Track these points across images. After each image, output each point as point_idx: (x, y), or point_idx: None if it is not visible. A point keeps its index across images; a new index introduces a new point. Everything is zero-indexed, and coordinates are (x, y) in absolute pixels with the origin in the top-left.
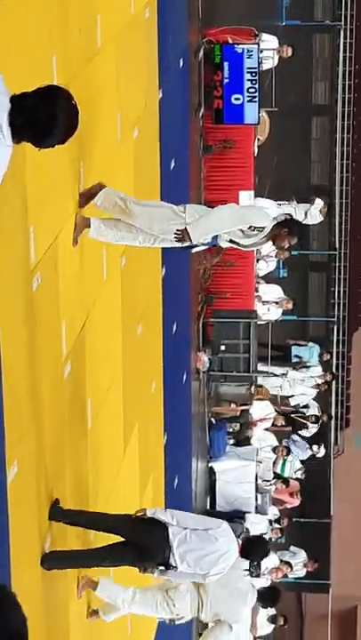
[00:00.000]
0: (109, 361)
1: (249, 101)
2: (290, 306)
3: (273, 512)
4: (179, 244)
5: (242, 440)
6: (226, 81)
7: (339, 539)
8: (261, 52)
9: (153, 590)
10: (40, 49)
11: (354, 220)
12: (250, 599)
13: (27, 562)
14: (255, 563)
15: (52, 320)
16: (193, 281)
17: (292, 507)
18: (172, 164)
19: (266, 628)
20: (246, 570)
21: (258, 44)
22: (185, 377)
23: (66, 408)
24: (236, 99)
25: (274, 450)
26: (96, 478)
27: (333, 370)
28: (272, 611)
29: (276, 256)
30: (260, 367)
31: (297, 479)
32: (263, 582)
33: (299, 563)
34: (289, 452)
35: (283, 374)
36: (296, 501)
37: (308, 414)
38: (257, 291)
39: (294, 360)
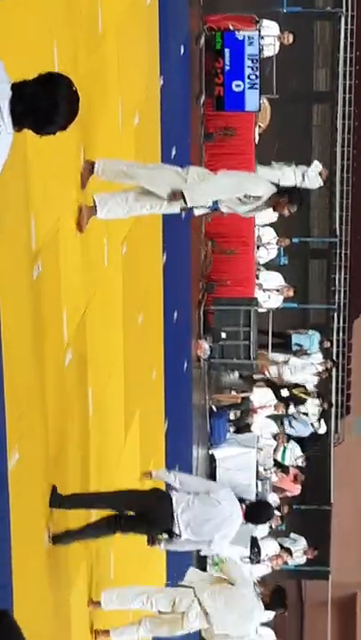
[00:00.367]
0: (110, 348)
1: (250, 88)
2: (291, 293)
3: (273, 499)
4: (183, 211)
5: (242, 427)
6: (227, 68)
7: (339, 526)
8: (262, 38)
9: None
10: (41, 36)
11: (355, 207)
12: (257, 615)
13: (29, 550)
14: (256, 550)
15: (53, 308)
16: (194, 268)
17: (293, 494)
18: (173, 152)
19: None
20: (247, 557)
21: (259, 31)
22: (186, 364)
23: (67, 395)
24: (237, 86)
25: (274, 437)
26: (97, 465)
27: (334, 357)
28: None
29: (276, 243)
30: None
31: (297, 467)
32: (264, 569)
33: (299, 550)
34: (290, 438)
35: (284, 361)
36: (297, 489)
37: (310, 391)
38: (258, 278)
39: (295, 348)
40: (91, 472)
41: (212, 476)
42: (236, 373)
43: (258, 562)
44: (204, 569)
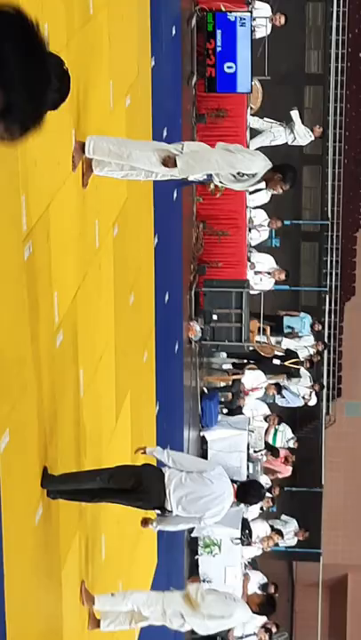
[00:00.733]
0: (101, 330)
1: (242, 70)
2: (282, 277)
3: (265, 481)
4: (178, 177)
5: (234, 409)
6: (219, 49)
7: (330, 508)
8: (254, 20)
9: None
10: (32, 16)
11: (346, 189)
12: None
13: (19, 533)
14: (247, 531)
15: (44, 289)
16: (185, 250)
17: (283, 476)
18: (165, 133)
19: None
20: (238, 538)
21: (251, 12)
22: (177, 346)
23: (58, 377)
24: (229, 67)
25: (266, 418)
26: (88, 447)
27: (325, 340)
28: (263, 579)
29: (268, 225)
30: (258, 338)
31: (289, 448)
32: (255, 551)
33: (290, 531)
34: (281, 420)
35: (277, 342)
36: (288, 470)
37: (302, 360)
38: (249, 260)
39: (286, 330)
40: (81, 453)
41: (203, 457)
42: (224, 354)
43: (249, 543)
44: (195, 552)
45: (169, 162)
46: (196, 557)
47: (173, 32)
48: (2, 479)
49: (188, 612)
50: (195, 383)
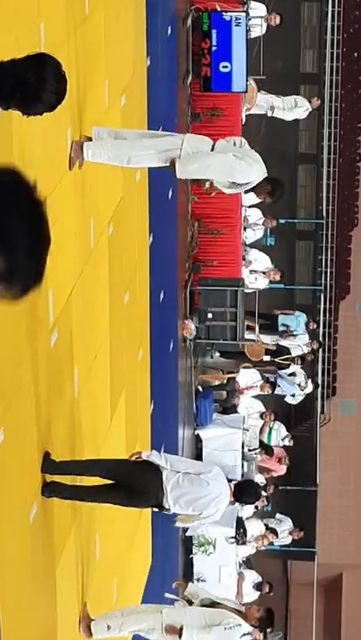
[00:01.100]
0: (96, 329)
1: (237, 69)
2: (277, 277)
3: (259, 480)
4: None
5: (229, 408)
6: (214, 48)
7: (325, 507)
8: (250, 19)
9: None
10: (28, 16)
11: (341, 188)
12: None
13: (13, 531)
14: (241, 530)
15: (39, 289)
16: (180, 249)
17: (278, 475)
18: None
19: (251, 596)
20: (232, 537)
21: (246, 12)
22: (172, 345)
23: (53, 376)
24: (224, 66)
25: (261, 415)
26: (83, 445)
27: (320, 338)
28: (258, 578)
29: (263, 224)
30: (248, 336)
31: (284, 446)
32: (249, 550)
33: (285, 530)
34: (277, 416)
35: (273, 341)
36: (283, 469)
37: (293, 356)
38: (244, 259)
39: (281, 329)
40: (77, 452)
41: (197, 456)
42: (217, 354)
43: (243, 542)
44: (189, 550)
45: (170, 162)
46: (191, 556)
47: (169, 31)
48: None
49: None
50: (189, 381)
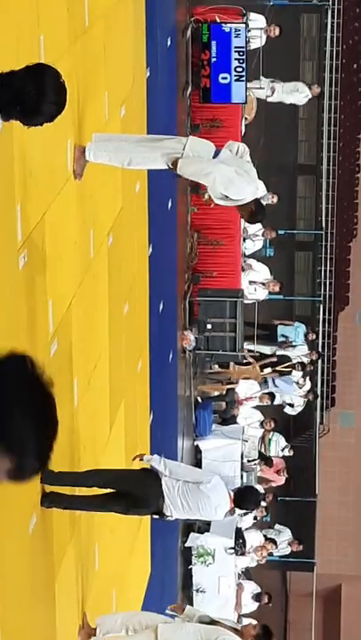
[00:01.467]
0: (96, 339)
1: (236, 80)
2: (277, 288)
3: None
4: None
5: (228, 419)
6: (213, 60)
7: (324, 518)
8: (249, 31)
9: None
10: (28, 28)
11: (340, 199)
12: None
13: (13, 542)
14: (240, 541)
15: (39, 298)
16: (179, 260)
17: (277, 485)
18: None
19: (250, 606)
20: (231, 548)
21: (246, 24)
22: (171, 355)
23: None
24: (224, 78)
25: (261, 424)
26: (82, 456)
27: (319, 349)
28: (257, 589)
29: (262, 235)
30: (247, 346)
31: (283, 457)
32: (248, 561)
33: (284, 541)
34: (276, 424)
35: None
36: (282, 479)
37: (294, 362)
38: (244, 270)
39: (280, 339)
40: (75, 462)
41: (197, 467)
42: (216, 366)
43: (242, 553)
44: (188, 561)
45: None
46: (190, 567)
47: (168, 43)
48: None
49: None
50: (189, 392)
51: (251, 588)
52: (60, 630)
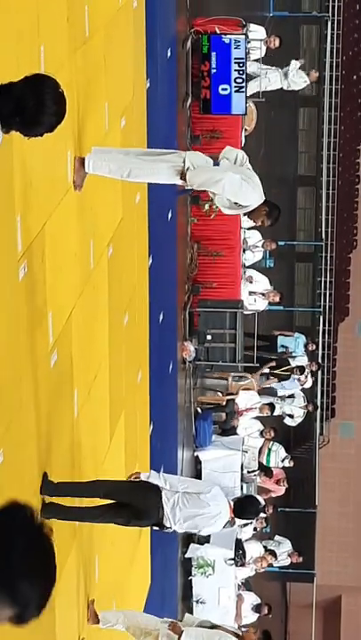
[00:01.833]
0: (96, 350)
1: (236, 92)
2: (277, 299)
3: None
4: (173, 182)
5: (228, 429)
6: (213, 71)
7: (324, 529)
8: (249, 42)
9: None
10: (28, 37)
11: (340, 210)
12: None
13: None
14: (240, 552)
15: (39, 309)
16: (179, 270)
17: (277, 495)
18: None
19: (250, 617)
20: (231, 559)
21: (245, 35)
22: (171, 366)
23: (52, 397)
24: (224, 89)
25: (261, 433)
26: (82, 466)
27: (319, 360)
28: (257, 600)
29: (262, 246)
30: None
31: (283, 468)
32: (248, 572)
33: (284, 552)
34: (276, 435)
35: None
36: (282, 490)
37: (293, 366)
38: (246, 279)
39: (280, 350)
40: (76, 473)
41: (197, 478)
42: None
43: (242, 564)
44: (188, 572)
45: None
46: (190, 578)
47: (168, 54)
48: None
49: None
50: (189, 403)
51: (251, 599)
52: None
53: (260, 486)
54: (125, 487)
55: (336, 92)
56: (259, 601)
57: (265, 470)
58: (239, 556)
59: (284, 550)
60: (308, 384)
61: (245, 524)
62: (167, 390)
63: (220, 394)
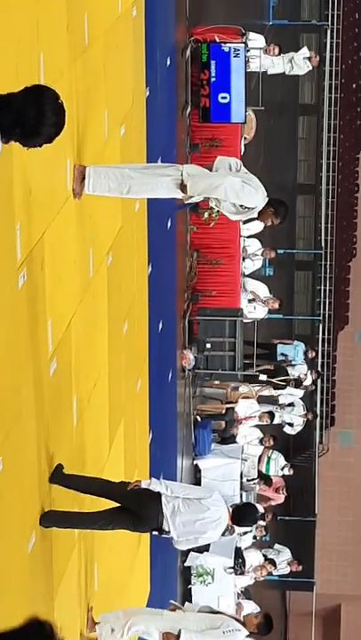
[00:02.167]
0: (95, 359)
1: (236, 100)
2: (276, 305)
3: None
4: (173, 195)
5: (227, 438)
6: (213, 79)
7: (323, 537)
8: (248, 50)
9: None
10: (28, 46)
11: (340, 219)
12: None
13: (12, 561)
14: (240, 560)
15: (38, 317)
16: (179, 279)
17: (277, 503)
18: (159, 162)
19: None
20: (231, 567)
21: (245, 43)
22: (170, 374)
23: (52, 405)
24: (223, 97)
25: (261, 441)
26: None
27: (319, 368)
28: (256, 608)
29: (262, 254)
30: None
31: (283, 476)
32: (247, 580)
33: (283, 561)
34: (275, 443)
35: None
36: (281, 498)
37: (290, 377)
38: (245, 289)
39: (280, 358)
40: None
41: (196, 486)
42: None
43: (242, 573)
44: (188, 581)
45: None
46: (189, 586)
47: (168, 62)
48: None
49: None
50: (188, 411)
51: (250, 607)
52: None
53: (259, 494)
54: (126, 492)
55: (336, 100)
56: (258, 610)
57: (264, 479)
58: (239, 565)
59: (283, 559)
60: (308, 381)
61: (245, 533)
62: (167, 398)
63: (219, 402)
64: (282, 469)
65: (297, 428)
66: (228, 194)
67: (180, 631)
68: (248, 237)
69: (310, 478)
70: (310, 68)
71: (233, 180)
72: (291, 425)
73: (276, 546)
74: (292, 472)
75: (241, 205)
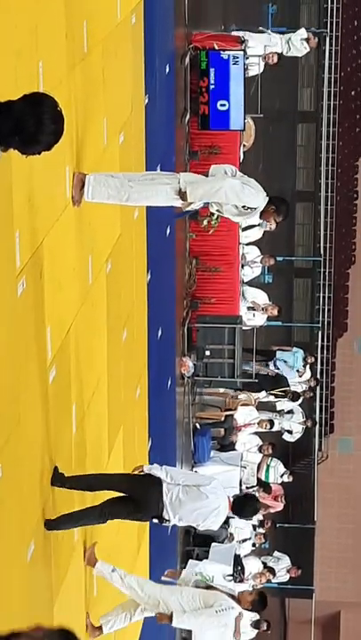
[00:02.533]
0: (94, 366)
1: (235, 107)
2: (275, 312)
3: (257, 517)
4: (172, 203)
5: (226, 445)
6: (212, 87)
7: (323, 544)
8: (247, 58)
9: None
10: (27, 53)
11: (339, 226)
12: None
13: (10, 568)
14: (239, 567)
15: (38, 325)
16: (178, 286)
17: (276, 511)
18: (158, 170)
19: (249, 634)
20: (230, 575)
21: (244, 51)
22: (170, 382)
23: (51, 413)
24: (222, 105)
25: (260, 449)
26: None
27: (318, 376)
28: (255, 616)
29: (261, 262)
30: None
31: (282, 483)
32: (247, 587)
33: (282, 568)
34: (274, 450)
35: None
36: (280, 505)
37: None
38: (244, 296)
39: (279, 364)
40: None
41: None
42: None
43: (241, 580)
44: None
45: (183, 197)
46: None
47: (167, 70)
48: None
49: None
50: (187, 419)
51: (249, 615)
52: None
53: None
54: (127, 480)
55: (334, 107)
56: (258, 617)
57: (264, 486)
58: (238, 572)
59: (282, 566)
60: (307, 375)
61: (244, 540)
62: (166, 406)
63: (218, 409)
64: (281, 477)
65: (296, 435)
66: (229, 195)
67: (171, 613)
68: (247, 245)
69: (309, 485)
70: (308, 49)
71: (232, 181)
72: (290, 432)
73: (276, 553)
74: (291, 479)
75: (243, 206)
